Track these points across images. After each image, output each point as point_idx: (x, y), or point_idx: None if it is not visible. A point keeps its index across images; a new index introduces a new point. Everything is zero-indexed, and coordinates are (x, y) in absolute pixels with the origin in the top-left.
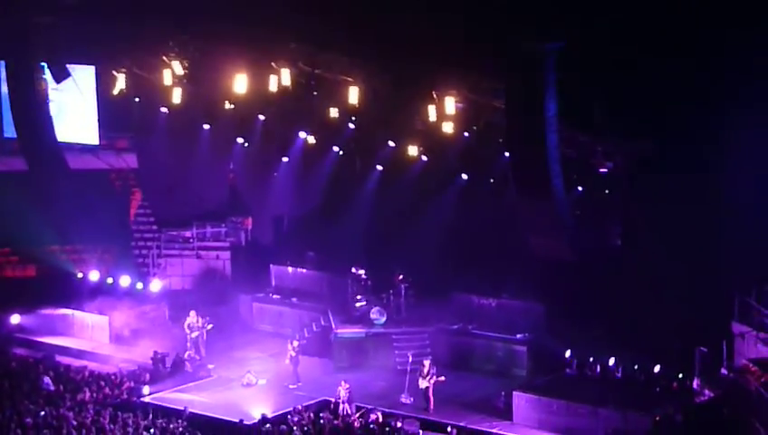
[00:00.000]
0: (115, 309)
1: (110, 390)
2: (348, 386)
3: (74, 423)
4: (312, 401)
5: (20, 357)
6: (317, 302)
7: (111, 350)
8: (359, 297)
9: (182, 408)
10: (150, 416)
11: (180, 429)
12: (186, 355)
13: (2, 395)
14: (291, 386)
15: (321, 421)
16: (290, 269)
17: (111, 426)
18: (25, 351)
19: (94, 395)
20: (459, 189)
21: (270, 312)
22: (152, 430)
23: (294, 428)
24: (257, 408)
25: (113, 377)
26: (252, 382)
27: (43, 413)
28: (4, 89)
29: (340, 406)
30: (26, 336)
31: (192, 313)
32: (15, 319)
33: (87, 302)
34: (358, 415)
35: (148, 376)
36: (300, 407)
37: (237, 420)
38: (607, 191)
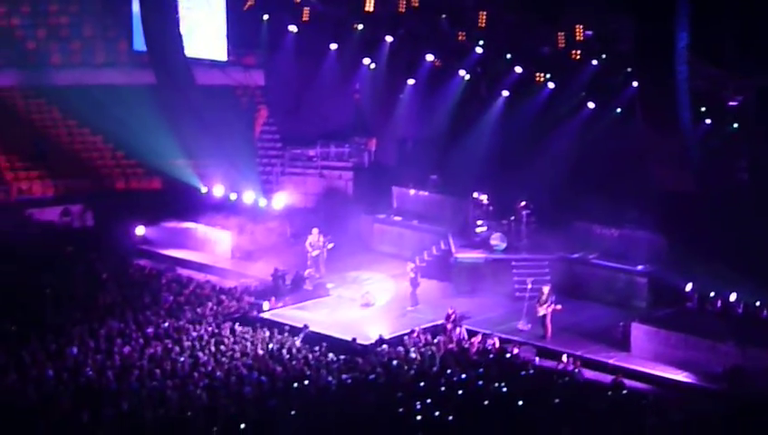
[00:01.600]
0: (238, 225)
1: (230, 303)
2: (453, 311)
3: (194, 335)
4: (429, 324)
5: (143, 268)
6: (438, 225)
7: (233, 265)
8: (479, 222)
9: (301, 325)
10: (270, 331)
11: (299, 345)
12: (306, 273)
13: (124, 305)
14: (409, 308)
15: (437, 344)
16: (412, 192)
17: (231, 338)
18: (148, 262)
19: (215, 308)
20: (585, 118)
21: (390, 233)
22: (271, 345)
23: (411, 349)
24: (374, 328)
25: (234, 291)
26: (370, 303)
27: (166, 324)
28: (136, 7)
29: (456, 330)
30: (150, 248)
31: (314, 231)
32: (140, 231)
33: (210, 216)
34: (476, 340)
35: (268, 292)
36: (417, 329)
37: (350, 339)
38: (735, 125)
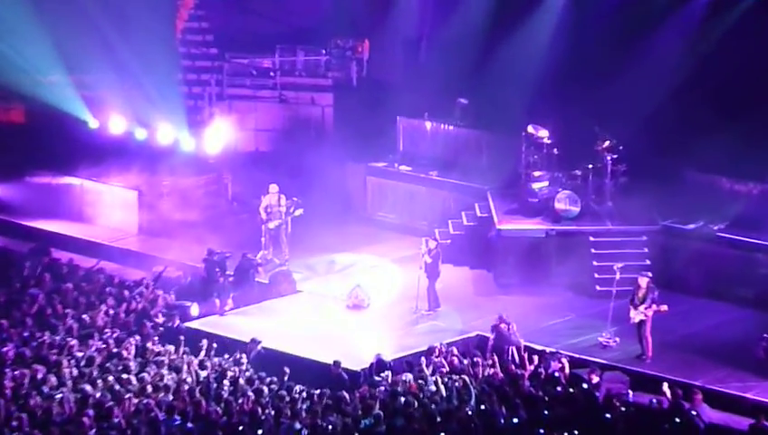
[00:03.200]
0: (147, 180)
1: (136, 305)
2: (501, 316)
3: (79, 356)
4: (457, 338)
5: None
6: (470, 178)
7: (140, 244)
8: (537, 173)
9: (248, 340)
10: (202, 350)
11: (247, 372)
12: (258, 257)
13: None
14: (424, 312)
15: (470, 369)
16: (428, 125)
17: (138, 362)
18: (5, 240)
19: (112, 313)
20: (698, 12)
21: (394, 192)
22: (204, 373)
23: (429, 378)
24: (369, 345)
25: (143, 287)
26: (362, 303)
27: (33, 341)
28: None
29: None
30: (7, 218)
31: (271, 189)
32: None
33: (103, 167)
34: (532, 364)
35: (197, 287)
36: (440, 346)
37: (331, 363)
38: None
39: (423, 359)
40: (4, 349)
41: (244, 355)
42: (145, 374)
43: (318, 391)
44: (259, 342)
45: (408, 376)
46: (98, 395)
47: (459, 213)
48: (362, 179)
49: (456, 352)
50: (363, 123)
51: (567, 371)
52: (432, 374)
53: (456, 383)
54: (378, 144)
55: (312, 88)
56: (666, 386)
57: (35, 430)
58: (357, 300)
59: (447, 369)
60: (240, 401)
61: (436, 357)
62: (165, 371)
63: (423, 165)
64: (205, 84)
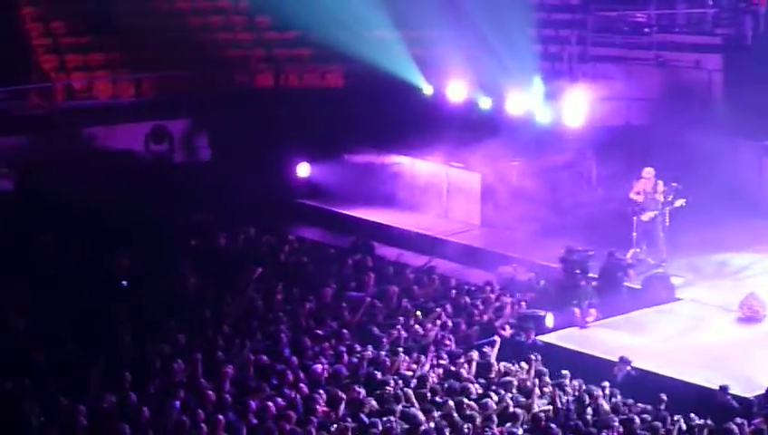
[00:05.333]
0: (495, 159)
1: (481, 316)
2: None
3: (409, 375)
4: None
5: (310, 243)
6: None
7: (484, 238)
8: None
9: (616, 359)
10: (556, 369)
11: (613, 398)
12: (629, 256)
13: (271, 316)
14: None
15: None
16: None
17: (478, 385)
18: (320, 232)
19: (448, 325)
20: None
21: None
22: (564, 398)
23: None
24: (764, 367)
25: (487, 291)
26: (758, 315)
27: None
28: None
29: None
30: (323, 205)
31: (646, 172)
32: (304, 170)
33: (441, 144)
34: None
35: (553, 293)
36: None
37: (718, 388)
38: None
39: None
40: (316, 366)
41: (613, 379)
42: (488, 399)
43: (700, 422)
44: (629, 361)
45: None
46: (431, 425)
47: None
48: (758, 162)
49: None
50: (760, 92)
51: None
52: None
53: None
54: None
55: (697, 48)
56: None
57: None
58: (751, 311)
59: None
60: (604, 433)
61: None
62: (511, 394)
63: None
64: (564, 42)
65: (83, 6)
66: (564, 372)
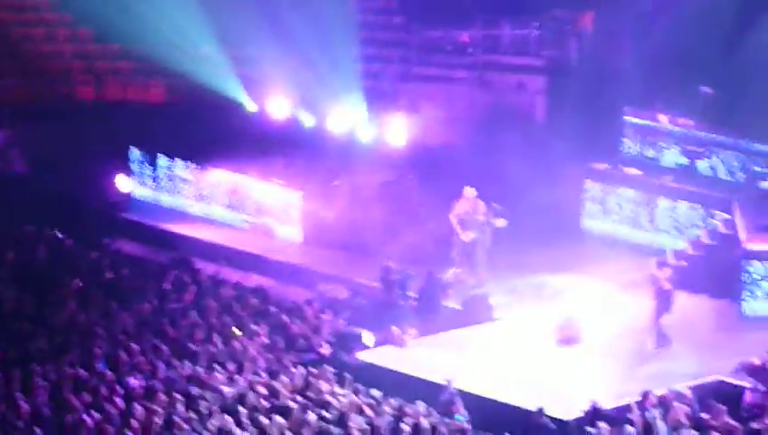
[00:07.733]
0: (316, 177)
1: (298, 332)
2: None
3: (228, 394)
4: (694, 383)
5: (132, 258)
6: (711, 186)
7: (304, 256)
8: None
9: (441, 381)
10: (374, 389)
11: (430, 417)
12: (448, 276)
13: (87, 333)
14: (654, 349)
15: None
16: (663, 120)
17: (298, 402)
18: (140, 247)
19: (266, 342)
20: None
21: (619, 199)
22: (380, 420)
23: (660, 430)
24: (583, 389)
25: (306, 309)
26: (576, 338)
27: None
28: None
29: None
30: (141, 220)
31: (466, 192)
32: (124, 184)
33: (263, 160)
34: None
35: (372, 312)
36: (678, 391)
37: (535, 410)
38: None
39: (634, 406)
40: (132, 380)
41: (435, 401)
42: (307, 417)
43: None
44: (449, 383)
45: (630, 429)
46: None
47: (698, 228)
48: (580, 184)
49: (687, 400)
50: (582, 115)
51: None
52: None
53: None
54: (599, 141)
55: (520, 69)
56: None
57: None
58: (569, 333)
59: (690, 421)
60: None
61: (663, 405)
62: (330, 414)
63: (654, 169)
64: (387, 61)
65: None
66: (379, 391)
